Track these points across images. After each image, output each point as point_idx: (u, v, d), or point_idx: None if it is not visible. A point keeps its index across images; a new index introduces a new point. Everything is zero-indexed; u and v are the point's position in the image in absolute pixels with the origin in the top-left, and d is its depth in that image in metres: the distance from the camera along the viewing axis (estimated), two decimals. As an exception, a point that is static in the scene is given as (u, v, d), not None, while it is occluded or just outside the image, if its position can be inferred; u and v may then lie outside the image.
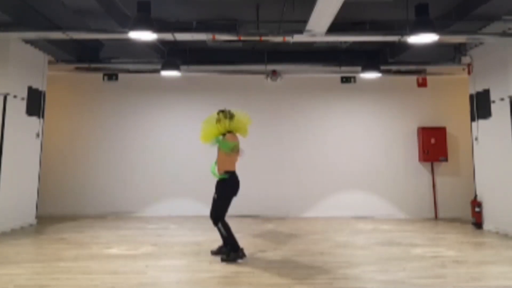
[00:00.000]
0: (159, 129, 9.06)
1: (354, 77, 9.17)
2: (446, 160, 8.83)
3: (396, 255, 5.11)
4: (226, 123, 5.04)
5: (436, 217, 8.71)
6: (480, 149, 7.42)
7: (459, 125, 8.85)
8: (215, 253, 5.00)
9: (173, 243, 5.83)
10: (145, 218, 8.29)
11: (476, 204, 7.35)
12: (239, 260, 4.75)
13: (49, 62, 7.88)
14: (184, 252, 5.26)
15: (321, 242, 5.97)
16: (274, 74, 8.90)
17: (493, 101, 7.01)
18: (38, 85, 7.46)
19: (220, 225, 4.83)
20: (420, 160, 8.94)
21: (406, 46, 7.19)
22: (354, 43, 7.46)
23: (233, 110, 5.20)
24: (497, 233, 6.78)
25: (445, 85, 9.13)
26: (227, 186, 4.92)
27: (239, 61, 8.36)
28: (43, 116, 7.64)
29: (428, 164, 8.96)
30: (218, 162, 5.02)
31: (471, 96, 7.70)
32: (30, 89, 7.20)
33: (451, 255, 5.15)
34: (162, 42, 7.47)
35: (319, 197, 8.86)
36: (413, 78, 9.18)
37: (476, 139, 7.49)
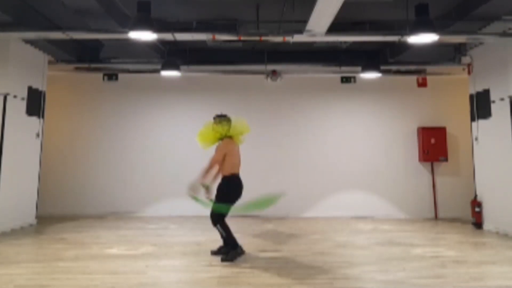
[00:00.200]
0: (159, 129, 9.06)
1: (354, 77, 9.17)
2: (446, 160, 8.84)
3: (396, 255, 5.11)
4: (225, 127, 5.03)
5: (436, 217, 8.71)
6: (480, 149, 7.42)
7: (459, 125, 8.85)
8: (215, 253, 5.00)
9: (173, 243, 5.83)
10: (145, 218, 8.29)
11: (476, 204, 7.35)
12: (239, 258, 4.77)
13: (49, 62, 7.88)
14: (184, 252, 5.26)
15: (321, 242, 5.97)
16: (274, 74, 8.90)
17: (493, 101, 7.01)
18: (38, 85, 7.46)
19: (219, 226, 4.84)
20: (420, 160, 8.94)
21: (406, 46, 7.19)
22: (354, 43, 7.46)
23: (233, 117, 5.17)
24: (497, 233, 6.78)
25: (445, 85, 9.13)
26: (230, 189, 4.92)
27: (239, 61, 8.36)
28: (43, 116, 7.64)
29: (428, 164, 8.96)
30: (220, 165, 5.00)
31: (471, 96, 7.70)
32: (30, 89, 7.20)
33: (451, 255, 5.15)
34: (162, 42, 7.47)
35: (319, 197, 8.86)
36: (413, 78, 9.18)
37: (476, 139, 7.49)
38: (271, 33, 6.22)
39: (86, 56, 8.05)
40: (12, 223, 6.68)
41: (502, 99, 6.79)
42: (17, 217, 6.86)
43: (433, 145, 8.80)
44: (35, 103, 7.37)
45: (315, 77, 9.12)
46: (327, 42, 7.32)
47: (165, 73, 7.91)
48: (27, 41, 6.97)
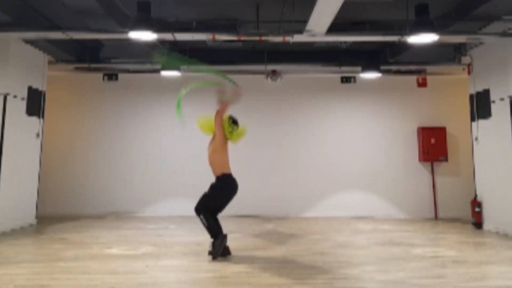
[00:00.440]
0: (159, 129, 9.06)
1: (354, 77, 9.17)
2: (446, 160, 8.84)
3: (396, 255, 5.11)
4: (228, 129, 5.05)
5: (436, 217, 8.71)
6: (480, 149, 7.42)
7: (459, 125, 8.85)
8: (211, 253, 5.00)
9: (173, 243, 5.83)
10: (145, 218, 8.29)
11: (476, 204, 7.35)
12: (225, 243, 4.81)
13: (49, 62, 7.88)
14: (184, 252, 5.26)
15: (321, 242, 5.97)
16: (274, 74, 8.90)
17: (493, 101, 7.01)
18: (38, 85, 7.46)
19: (202, 216, 4.84)
20: (420, 160, 8.94)
21: (406, 46, 7.19)
22: (354, 43, 7.46)
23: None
24: (497, 233, 6.78)
25: (445, 85, 9.14)
26: (224, 187, 4.95)
27: (239, 61, 8.36)
28: (43, 116, 7.63)
29: (428, 164, 8.96)
30: (213, 163, 5.03)
31: (471, 96, 7.70)
32: (30, 89, 7.20)
33: (451, 255, 5.15)
34: (162, 42, 7.46)
35: (319, 197, 8.86)
36: (413, 78, 9.19)
37: (476, 139, 7.49)
38: (271, 33, 6.22)
39: (86, 56, 8.05)
40: (12, 223, 6.68)
41: (502, 99, 6.78)
42: (17, 217, 6.86)
43: (433, 145, 8.80)
44: (35, 103, 7.37)
45: (315, 77, 9.12)
46: (327, 42, 7.32)
47: (165, 73, 7.91)
48: (27, 41, 6.97)
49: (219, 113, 5.01)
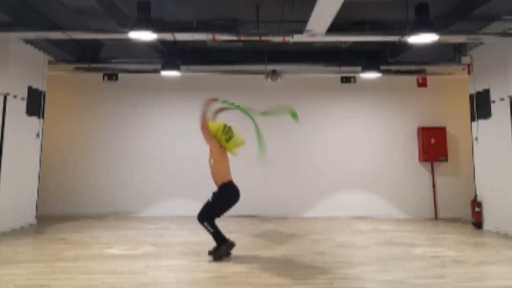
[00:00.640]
0: (159, 129, 9.06)
1: (354, 77, 9.17)
2: (446, 160, 8.84)
3: (396, 255, 5.11)
4: (222, 137, 5.04)
5: (436, 217, 8.71)
6: (480, 149, 7.42)
7: (459, 125, 8.85)
8: (211, 253, 5.00)
9: (173, 243, 5.83)
10: (145, 218, 8.29)
11: (476, 204, 7.35)
12: (231, 250, 4.83)
13: (49, 62, 7.88)
14: (184, 252, 5.26)
15: (321, 242, 5.97)
16: (274, 74, 8.89)
17: (493, 101, 7.01)
18: (38, 85, 7.46)
19: (206, 223, 4.86)
20: (420, 160, 8.94)
21: (406, 46, 7.19)
22: (354, 43, 7.46)
23: (234, 131, 5.19)
24: (497, 233, 6.78)
25: (445, 85, 9.14)
26: (226, 194, 4.97)
27: (239, 61, 8.36)
28: (43, 116, 7.63)
29: (428, 164, 8.96)
30: (214, 174, 5.03)
31: (471, 96, 7.70)
32: (30, 89, 7.20)
33: (451, 255, 5.15)
34: (162, 42, 7.47)
35: (319, 197, 8.86)
36: (413, 78, 9.18)
37: (476, 139, 7.49)
38: (271, 33, 6.22)
39: (86, 56, 8.05)
40: (12, 223, 6.68)
41: (502, 99, 6.78)
42: (17, 217, 6.86)
43: (433, 145, 8.80)
44: (35, 103, 7.37)
45: (315, 77, 9.12)
46: (327, 42, 7.33)
47: (165, 73, 7.91)
48: (27, 41, 6.97)
49: (201, 126, 4.98)
